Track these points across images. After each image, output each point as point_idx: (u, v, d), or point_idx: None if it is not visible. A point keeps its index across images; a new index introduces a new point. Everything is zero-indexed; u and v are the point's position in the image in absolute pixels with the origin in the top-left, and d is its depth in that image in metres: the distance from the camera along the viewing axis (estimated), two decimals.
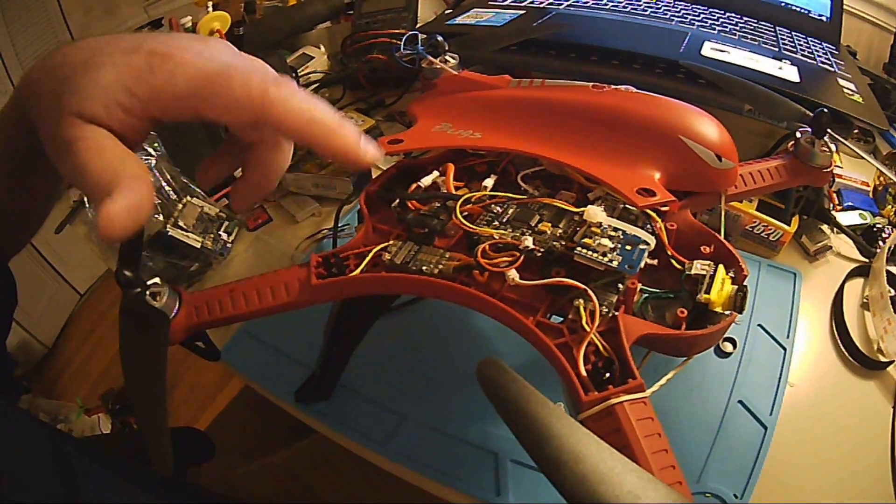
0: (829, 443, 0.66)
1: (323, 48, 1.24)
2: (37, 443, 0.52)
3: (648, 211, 0.48)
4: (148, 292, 0.48)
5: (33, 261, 2.19)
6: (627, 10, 1.06)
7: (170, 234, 0.86)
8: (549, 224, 0.47)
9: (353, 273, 0.50)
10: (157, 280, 0.49)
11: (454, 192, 0.52)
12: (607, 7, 1.08)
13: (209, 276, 0.90)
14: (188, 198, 0.91)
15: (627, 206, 0.49)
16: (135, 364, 0.50)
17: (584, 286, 0.43)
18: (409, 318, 0.74)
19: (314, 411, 0.71)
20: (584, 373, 0.40)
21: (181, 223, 0.87)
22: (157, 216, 0.86)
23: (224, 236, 0.92)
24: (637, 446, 0.37)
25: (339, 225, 0.81)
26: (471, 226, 0.48)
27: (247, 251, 0.93)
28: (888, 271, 0.78)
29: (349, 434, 0.68)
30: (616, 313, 0.43)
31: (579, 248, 0.44)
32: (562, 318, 0.44)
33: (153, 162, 0.90)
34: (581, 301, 0.43)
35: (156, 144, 0.92)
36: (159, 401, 0.49)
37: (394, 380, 0.73)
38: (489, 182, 0.52)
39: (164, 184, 0.89)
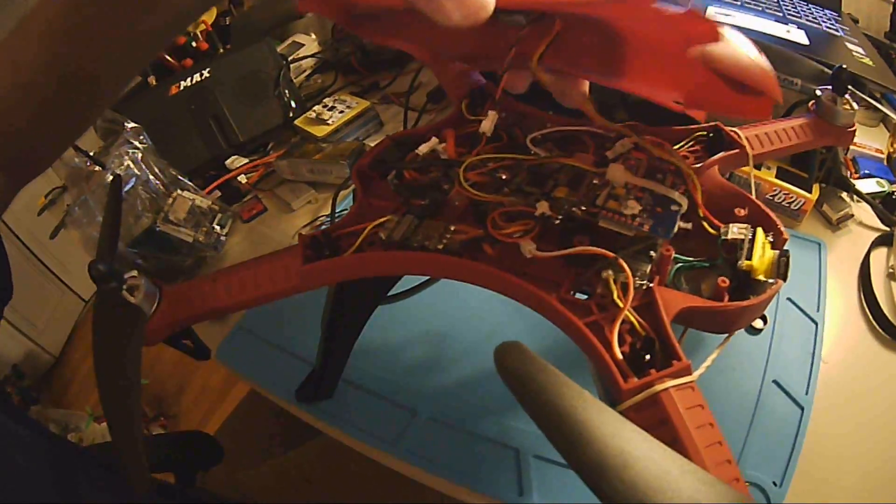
0: (867, 420, 0.63)
1: (314, 35, 1.22)
2: (34, 454, 0.50)
3: (683, 165, 0.43)
4: (124, 287, 0.45)
5: (35, 269, 2.18)
6: None
7: (160, 229, 0.83)
8: (566, 189, 0.42)
9: (347, 253, 0.45)
10: (134, 273, 0.46)
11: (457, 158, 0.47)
12: None
13: (204, 271, 0.88)
14: (178, 191, 0.88)
15: (653, 163, 0.44)
16: (108, 364, 0.46)
17: (612, 254, 0.38)
18: (413, 305, 0.69)
19: (318, 410, 0.67)
20: (620, 356, 0.35)
21: (171, 218, 0.84)
22: (146, 212, 0.83)
23: (217, 229, 0.89)
24: (688, 440, 0.32)
25: (337, 211, 0.78)
26: (476, 192, 0.43)
27: (241, 244, 0.91)
28: None
29: (356, 434, 0.65)
30: (651, 285, 0.38)
31: (604, 212, 0.40)
32: (588, 296, 0.40)
33: (139, 155, 0.86)
34: (610, 273, 0.38)
35: (142, 137, 0.89)
36: (133, 408, 0.45)
37: (401, 373, 0.69)
38: (488, 124, 0.47)
39: (151, 177, 0.86)
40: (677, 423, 0.33)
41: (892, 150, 0.92)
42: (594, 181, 0.43)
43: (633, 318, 0.37)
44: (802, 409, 0.62)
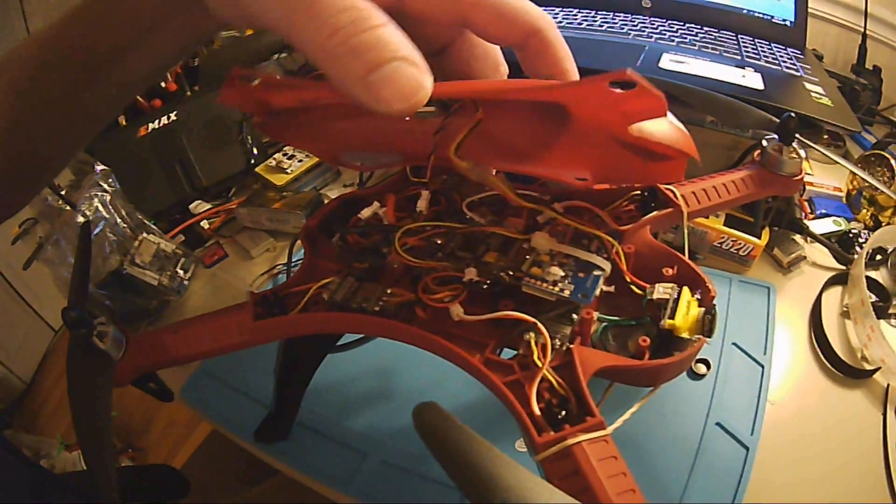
0: (818, 457, 0.65)
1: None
2: (15, 479, 0.53)
3: (602, 235, 0.45)
4: (94, 333, 0.47)
5: (6, 295, 2.17)
6: (583, 26, 1.05)
7: (126, 271, 0.83)
8: (496, 254, 0.44)
9: (293, 312, 0.47)
10: (102, 319, 0.49)
11: (396, 223, 0.49)
12: (562, 25, 1.06)
13: (167, 313, 0.89)
14: (144, 234, 0.89)
15: (580, 229, 0.46)
16: (81, 403, 0.49)
17: (533, 319, 0.40)
18: (365, 354, 0.71)
19: (275, 451, 0.69)
20: (537, 412, 0.37)
21: (138, 260, 0.85)
22: (112, 254, 0.84)
23: (181, 273, 0.90)
24: (600, 488, 0.34)
25: (294, 260, 0.79)
26: (410, 258, 0.45)
27: (204, 288, 0.92)
28: (867, 277, 0.76)
29: (311, 474, 0.67)
30: (571, 346, 0.40)
31: (527, 279, 0.42)
32: (516, 351, 0.41)
33: (108, 198, 0.88)
34: (532, 335, 0.40)
35: (110, 180, 0.90)
36: (105, 441, 0.49)
37: (353, 418, 0.71)
38: (423, 203, 0.49)
39: (119, 220, 0.87)
40: (588, 473, 0.34)
41: (851, 187, 0.93)
42: (524, 246, 0.45)
43: (551, 377, 0.38)
44: (748, 449, 0.63)
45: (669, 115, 0.36)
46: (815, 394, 0.71)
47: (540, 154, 0.40)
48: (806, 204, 0.91)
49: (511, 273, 0.43)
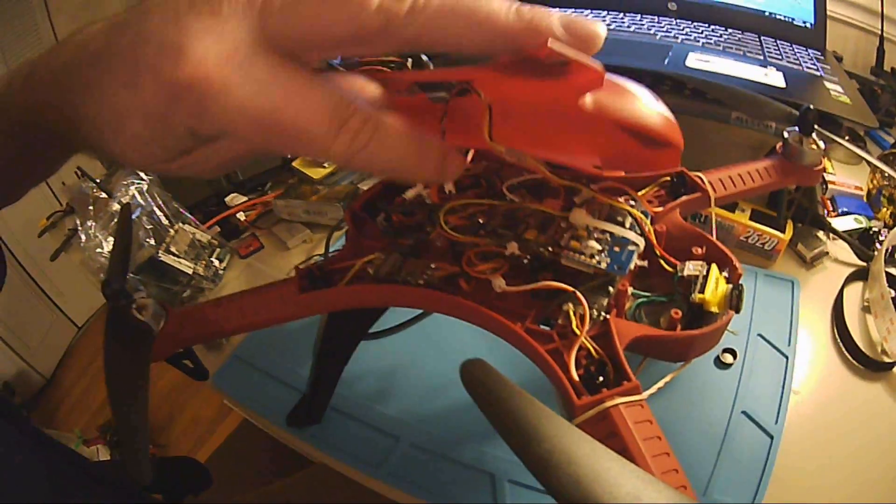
0: (840, 447, 0.66)
1: None
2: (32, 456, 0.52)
3: (635, 212, 0.47)
4: (133, 305, 0.47)
5: (30, 290, 2.19)
6: (612, 27, 1.07)
7: (161, 259, 0.86)
8: (536, 231, 0.46)
9: (339, 285, 0.49)
10: (143, 293, 0.49)
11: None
12: None
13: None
14: (180, 224, 0.91)
15: (614, 207, 0.48)
16: (117, 379, 0.49)
17: (571, 288, 0.42)
18: (399, 340, 0.73)
19: (307, 435, 0.70)
20: (576, 377, 0.38)
21: (173, 249, 0.87)
22: (148, 241, 0.86)
23: (216, 263, 0.92)
24: (636, 450, 0.35)
25: (331, 251, 0.80)
26: (454, 234, 0.46)
27: (238, 278, 0.94)
28: (887, 272, 0.77)
29: (342, 457, 0.68)
30: (607, 316, 0.42)
31: (566, 252, 0.43)
32: (551, 328, 0.43)
33: (145, 186, 0.90)
34: (570, 305, 0.41)
35: None
36: (140, 418, 0.49)
37: (386, 402, 0.72)
38: (449, 184, 0.51)
39: (155, 209, 0.89)
40: (625, 434, 0.35)
41: (871, 186, 0.94)
42: (561, 224, 0.46)
43: (589, 345, 0.40)
44: (772, 437, 0.64)
45: (661, 105, 0.38)
46: (837, 385, 0.72)
47: (553, 142, 0.42)
48: (828, 202, 0.93)
49: (550, 248, 0.44)
